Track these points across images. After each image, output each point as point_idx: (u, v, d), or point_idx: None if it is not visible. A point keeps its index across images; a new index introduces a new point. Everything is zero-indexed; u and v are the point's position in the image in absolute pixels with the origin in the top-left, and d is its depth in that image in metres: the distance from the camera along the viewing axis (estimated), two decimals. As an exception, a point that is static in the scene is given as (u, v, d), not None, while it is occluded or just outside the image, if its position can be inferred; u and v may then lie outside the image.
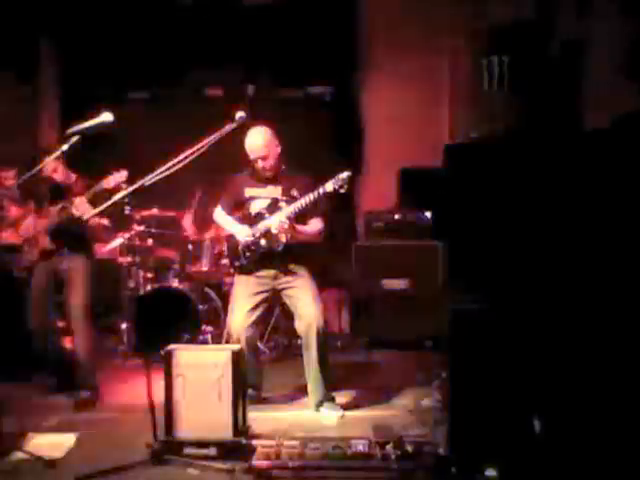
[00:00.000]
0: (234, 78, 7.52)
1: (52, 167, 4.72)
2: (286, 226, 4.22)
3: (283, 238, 4.28)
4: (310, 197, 4.22)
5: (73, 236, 4.76)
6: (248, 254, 4.43)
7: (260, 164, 4.41)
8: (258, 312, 4.45)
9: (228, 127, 3.97)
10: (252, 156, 4.41)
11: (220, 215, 4.65)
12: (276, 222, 4.26)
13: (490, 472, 3.13)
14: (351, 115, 7.54)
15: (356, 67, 7.45)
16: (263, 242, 4.35)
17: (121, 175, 4.59)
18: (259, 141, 4.39)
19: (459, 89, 3.46)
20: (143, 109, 7.46)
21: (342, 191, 4.19)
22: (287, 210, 4.27)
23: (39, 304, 4.85)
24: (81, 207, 4.57)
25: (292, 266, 4.42)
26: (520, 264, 3.22)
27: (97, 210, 4.28)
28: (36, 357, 4.93)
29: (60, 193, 4.84)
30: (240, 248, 4.46)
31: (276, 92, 7.56)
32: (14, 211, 5.66)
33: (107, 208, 4.15)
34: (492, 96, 3.34)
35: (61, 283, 4.84)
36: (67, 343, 5.19)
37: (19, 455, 3.60)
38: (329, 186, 4.17)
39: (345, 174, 4.18)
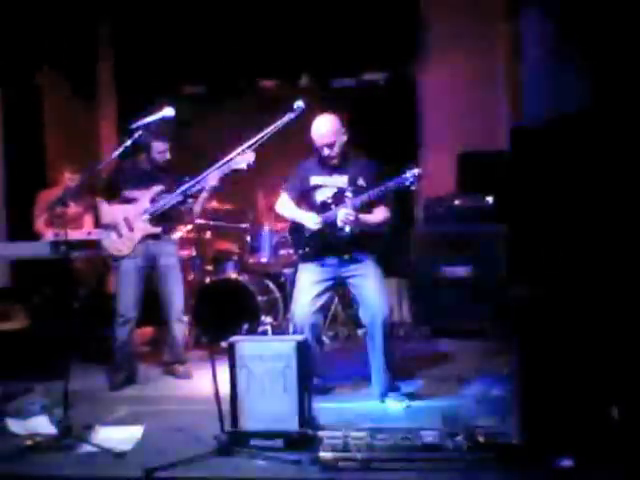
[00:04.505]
0: (287, 69, 7.51)
1: (162, 148, 4.81)
2: (352, 218, 4.17)
3: (348, 229, 4.21)
4: (376, 191, 4.17)
5: (172, 220, 4.92)
6: (313, 243, 4.36)
7: (326, 152, 4.32)
8: (322, 300, 4.39)
9: (287, 117, 3.92)
10: (318, 143, 4.32)
11: (285, 203, 4.53)
12: (342, 214, 4.19)
13: (566, 462, 3.02)
14: (408, 101, 7.45)
15: (413, 52, 7.35)
16: (329, 232, 4.28)
17: (250, 156, 4.51)
18: (326, 128, 4.30)
19: (519, 71, 3.34)
20: (198, 103, 7.51)
21: (413, 188, 4.17)
22: (353, 202, 4.21)
23: (129, 290, 4.91)
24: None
25: (357, 254, 4.34)
26: (587, 248, 3.12)
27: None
28: (113, 348, 5.00)
29: (153, 178, 4.90)
30: (305, 237, 4.39)
31: (330, 81, 7.53)
32: (72, 207, 5.79)
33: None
34: (558, 77, 3.21)
35: (154, 273, 4.97)
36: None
37: (88, 448, 3.62)
38: (397, 184, 4.17)
39: (415, 170, 4.15)
